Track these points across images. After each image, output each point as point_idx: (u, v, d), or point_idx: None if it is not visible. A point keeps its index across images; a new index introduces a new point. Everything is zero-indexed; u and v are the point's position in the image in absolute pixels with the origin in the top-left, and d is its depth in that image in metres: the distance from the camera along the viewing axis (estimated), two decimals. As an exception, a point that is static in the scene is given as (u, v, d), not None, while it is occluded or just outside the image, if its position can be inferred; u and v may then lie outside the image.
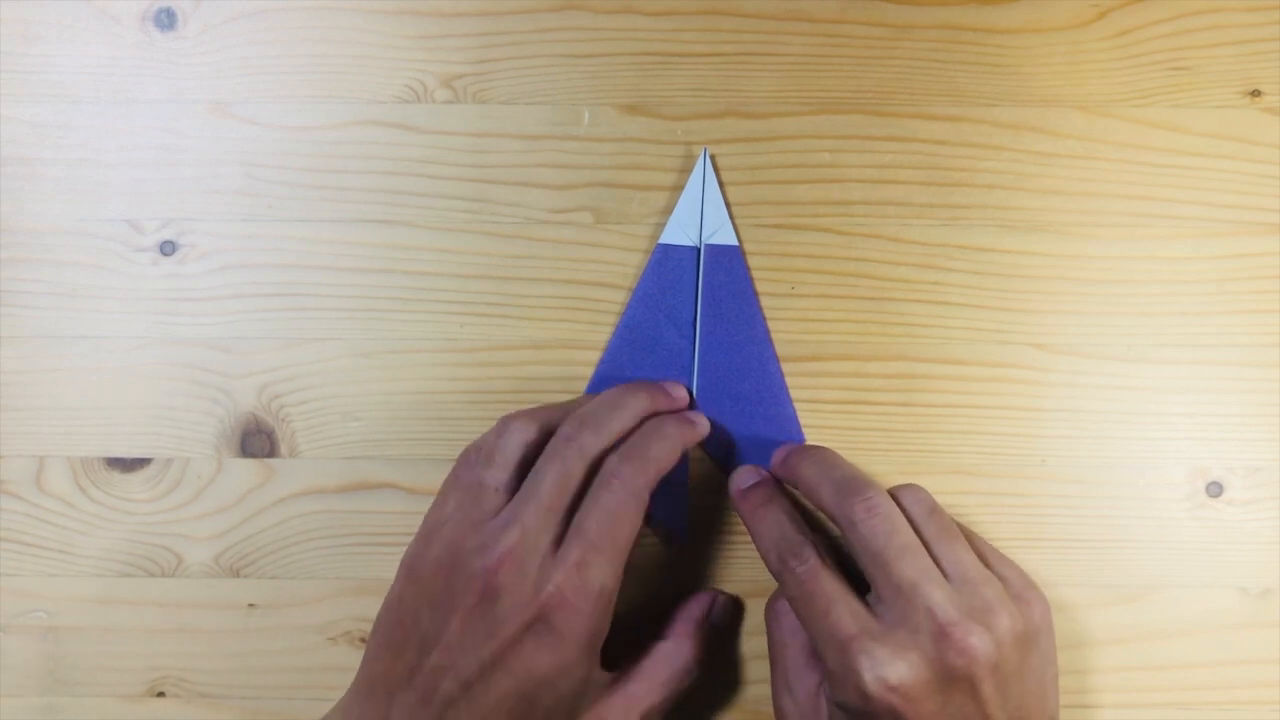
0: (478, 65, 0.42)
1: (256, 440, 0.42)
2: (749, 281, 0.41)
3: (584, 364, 0.42)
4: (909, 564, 0.34)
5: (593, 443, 0.36)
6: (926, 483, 0.38)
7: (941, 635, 0.33)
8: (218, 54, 0.43)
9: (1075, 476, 0.42)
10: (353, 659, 0.41)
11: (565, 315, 0.42)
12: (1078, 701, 0.41)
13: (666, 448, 0.37)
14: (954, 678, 0.33)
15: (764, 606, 0.39)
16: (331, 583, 0.42)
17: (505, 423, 0.37)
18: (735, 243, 0.42)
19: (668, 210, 0.42)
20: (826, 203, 0.42)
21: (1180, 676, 0.41)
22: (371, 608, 0.37)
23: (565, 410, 0.38)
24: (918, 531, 0.36)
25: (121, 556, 0.42)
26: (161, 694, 0.42)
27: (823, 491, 0.37)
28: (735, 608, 0.41)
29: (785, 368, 0.41)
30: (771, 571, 0.37)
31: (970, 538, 0.38)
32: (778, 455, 0.40)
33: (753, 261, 0.42)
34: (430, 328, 0.42)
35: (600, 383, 0.41)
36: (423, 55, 0.42)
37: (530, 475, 0.35)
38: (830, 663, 0.34)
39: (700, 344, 0.41)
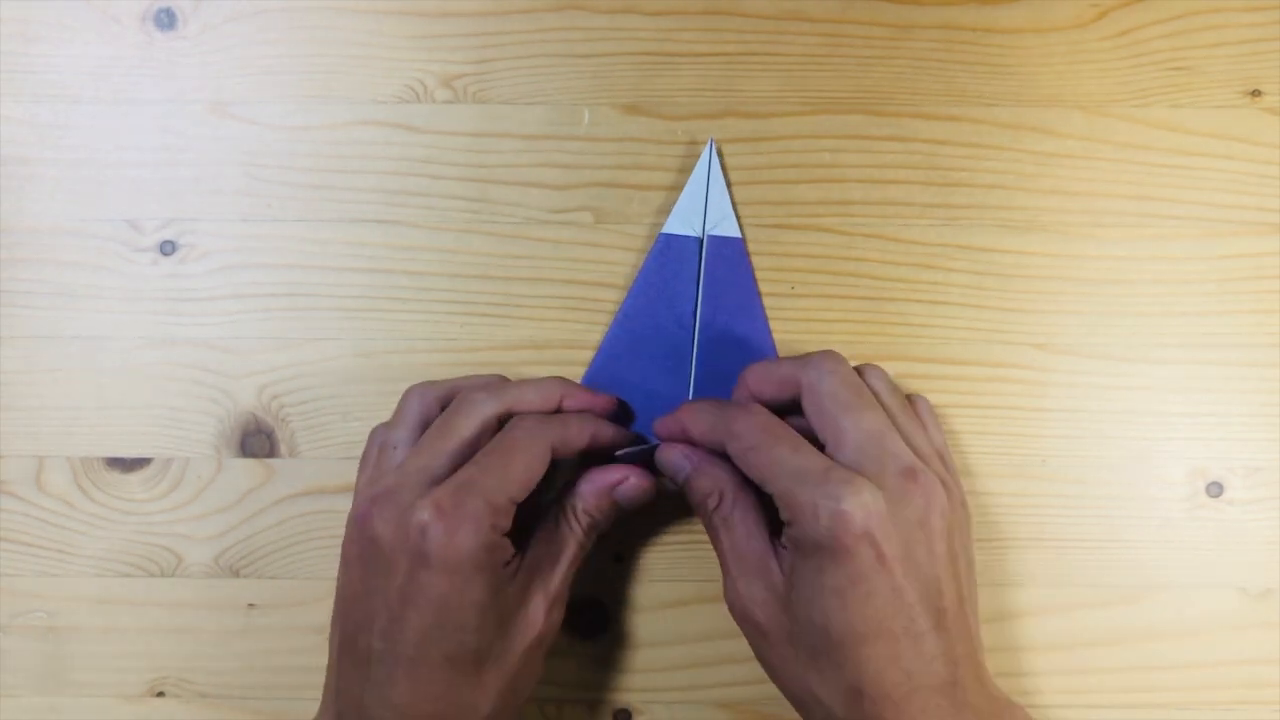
0: (478, 65, 0.42)
1: (256, 440, 0.42)
2: (750, 274, 0.41)
3: (584, 364, 0.42)
4: (875, 415, 0.35)
5: (488, 403, 0.37)
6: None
7: (909, 476, 0.34)
8: (218, 54, 0.43)
9: (1075, 476, 0.42)
10: (353, 659, 0.40)
11: (565, 315, 0.42)
12: (1078, 701, 0.41)
13: (576, 423, 0.37)
14: (914, 521, 0.34)
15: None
16: (331, 583, 0.42)
17: (408, 391, 0.39)
18: (738, 235, 0.41)
19: (667, 210, 0.42)
20: (826, 203, 0.42)
21: (1180, 676, 0.41)
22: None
23: (468, 380, 0.39)
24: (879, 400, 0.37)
25: (121, 556, 0.42)
26: (161, 694, 0.42)
27: (784, 367, 0.37)
28: (646, 492, 0.39)
29: (785, 368, 0.41)
30: (720, 437, 0.36)
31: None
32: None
33: (753, 261, 0.42)
34: (430, 328, 0.42)
35: (598, 372, 0.41)
36: (423, 55, 0.42)
37: (424, 434, 0.37)
38: (801, 497, 0.33)
39: (699, 335, 0.41)
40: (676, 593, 0.42)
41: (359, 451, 0.42)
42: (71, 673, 0.42)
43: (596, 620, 0.42)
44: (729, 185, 0.42)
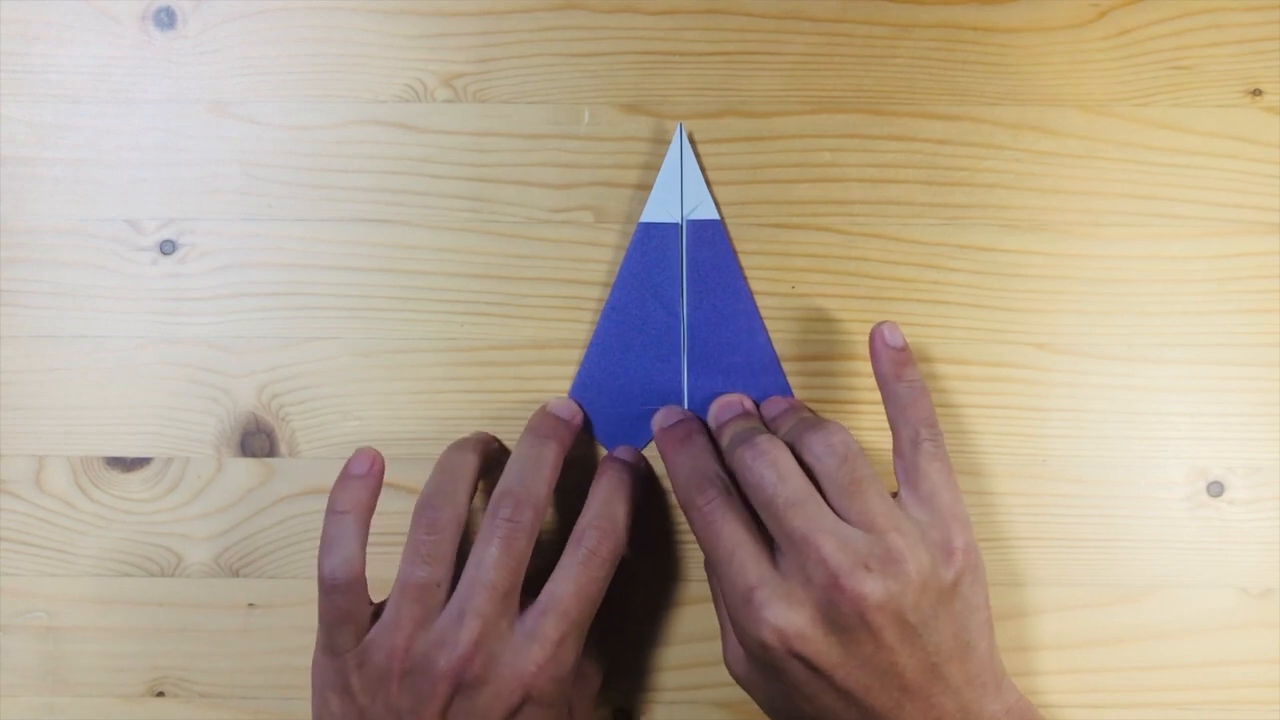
0: (478, 65, 0.42)
1: (256, 440, 0.42)
2: (733, 254, 0.41)
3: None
4: (798, 514, 0.33)
5: (532, 518, 0.36)
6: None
7: (833, 585, 0.32)
8: (218, 54, 0.43)
9: (1076, 476, 0.42)
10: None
11: (565, 315, 0.42)
12: (1078, 701, 0.41)
13: (627, 507, 0.38)
14: (850, 626, 0.33)
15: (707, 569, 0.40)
16: (331, 582, 0.42)
17: (430, 515, 0.36)
18: (716, 217, 0.41)
19: (668, 210, 0.42)
20: (826, 202, 0.42)
21: (1180, 676, 0.41)
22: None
23: (463, 476, 0.37)
24: (826, 481, 0.35)
25: (121, 556, 0.42)
26: (161, 694, 0.42)
27: (721, 441, 0.37)
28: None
29: (785, 367, 0.41)
30: (683, 510, 0.36)
31: (920, 471, 0.36)
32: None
33: (753, 261, 0.42)
34: (430, 328, 0.42)
35: (590, 368, 0.41)
36: (423, 55, 0.42)
37: (472, 560, 0.35)
38: (732, 610, 0.34)
39: (688, 320, 0.41)
40: (676, 593, 0.42)
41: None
42: (71, 672, 0.42)
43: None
44: (703, 168, 0.42)
